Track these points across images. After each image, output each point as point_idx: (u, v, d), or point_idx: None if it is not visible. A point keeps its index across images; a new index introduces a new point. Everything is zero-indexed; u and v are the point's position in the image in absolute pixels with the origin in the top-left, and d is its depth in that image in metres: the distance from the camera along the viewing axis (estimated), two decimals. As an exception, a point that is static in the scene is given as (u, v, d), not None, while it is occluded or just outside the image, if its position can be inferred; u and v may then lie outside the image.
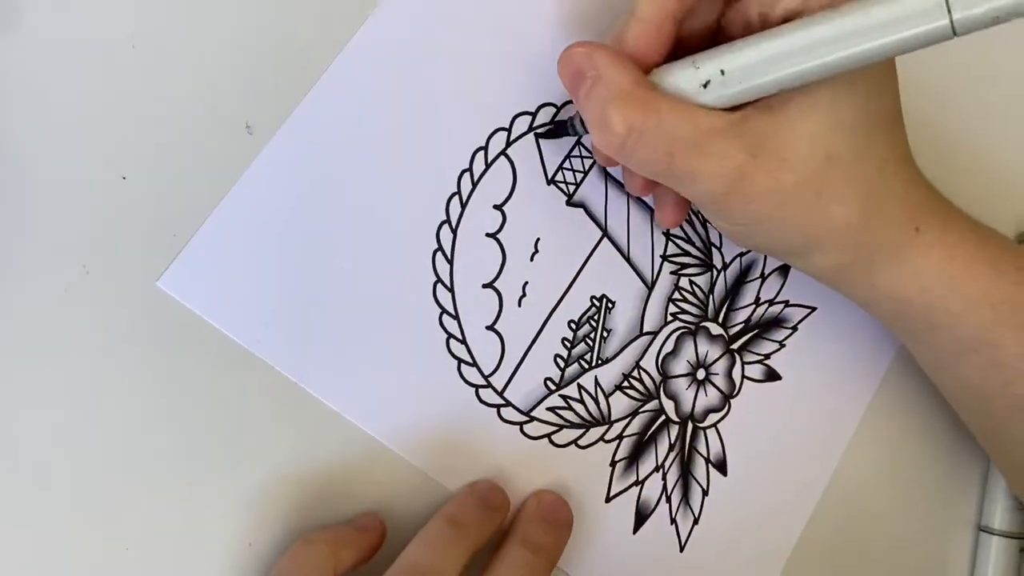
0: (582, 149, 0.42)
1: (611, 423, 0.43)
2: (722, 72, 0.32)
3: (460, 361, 0.40)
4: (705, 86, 0.33)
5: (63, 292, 0.34)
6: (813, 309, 0.46)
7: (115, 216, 0.34)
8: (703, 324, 0.44)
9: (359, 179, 0.38)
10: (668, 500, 0.43)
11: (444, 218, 0.40)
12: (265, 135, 0.37)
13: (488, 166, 0.41)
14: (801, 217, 0.34)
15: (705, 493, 0.44)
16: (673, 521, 0.43)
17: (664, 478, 0.43)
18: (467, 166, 0.40)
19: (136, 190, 0.34)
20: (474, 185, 0.40)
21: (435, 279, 0.40)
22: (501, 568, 0.37)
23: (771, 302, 0.45)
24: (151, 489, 0.35)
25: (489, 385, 0.41)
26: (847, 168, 0.34)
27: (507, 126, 0.41)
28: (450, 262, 0.40)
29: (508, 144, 0.41)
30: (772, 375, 0.46)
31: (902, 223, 0.36)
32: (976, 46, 0.36)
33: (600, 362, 0.43)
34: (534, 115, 0.41)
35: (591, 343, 0.42)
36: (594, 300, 0.42)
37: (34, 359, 0.34)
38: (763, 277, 0.45)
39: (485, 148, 0.40)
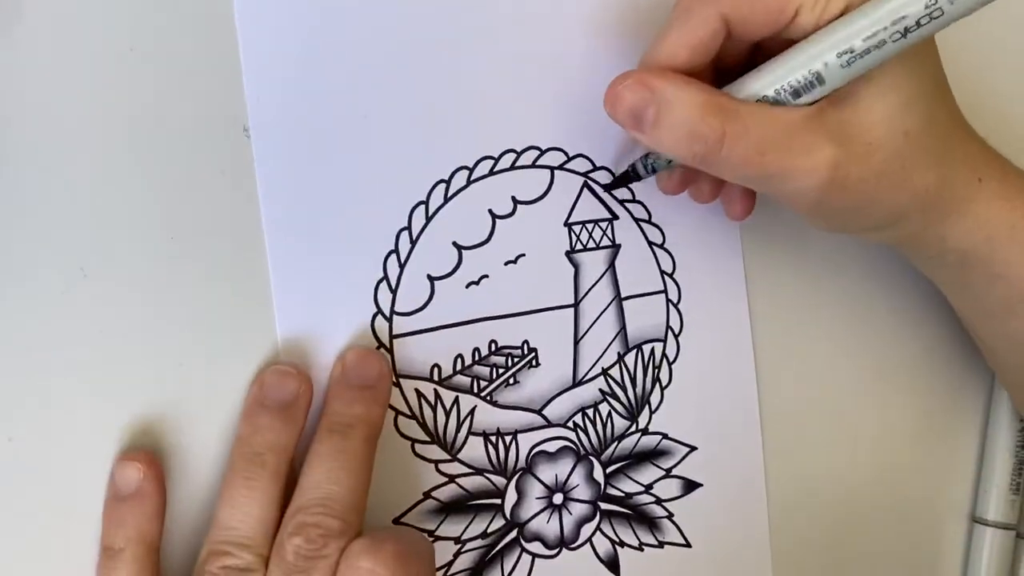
0: (613, 227, 0.41)
1: (452, 478, 0.38)
2: (825, 65, 0.33)
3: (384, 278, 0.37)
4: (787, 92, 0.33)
5: (61, 294, 0.33)
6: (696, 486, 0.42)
7: (113, 219, 0.34)
8: (591, 457, 0.40)
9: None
10: None
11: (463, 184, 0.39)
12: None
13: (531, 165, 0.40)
14: (890, 195, 0.35)
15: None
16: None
17: None
18: (506, 166, 0.39)
19: (135, 193, 0.34)
20: (500, 168, 0.39)
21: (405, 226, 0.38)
22: (311, 471, 0.33)
23: (653, 495, 0.41)
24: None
25: (392, 315, 0.37)
26: (920, 139, 0.35)
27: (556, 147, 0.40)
28: (428, 219, 0.38)
29: (568, 159, 0.40)
30: (613, 561, 0.40)
31: (966, 177, 0.37)
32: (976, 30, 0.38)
33: (488, 398, 0.38)
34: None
35: (495, 375, 0.39)
36: (526, 345, 0.39)
37: (33, 360, 0.33)
38: (667, 473, 0.42)
39: (541, 152, 0.40)
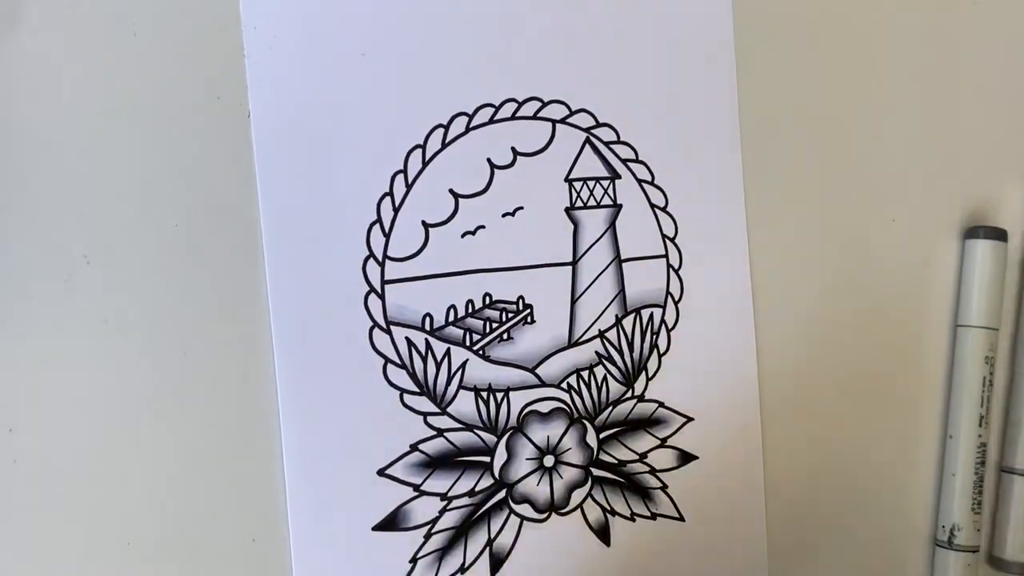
0: (615, 186, 0.40)
1: (440, 432, 0.36)
2: None
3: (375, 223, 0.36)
4: None
5: (64, 282, 0.32)
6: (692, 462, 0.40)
7: (116, 207, 0.33)
8: (584, 420, 0.39)
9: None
10: None
11: (463, 131, 0.37)
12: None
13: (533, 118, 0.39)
14: None
15: None
16: None
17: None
18: (506, 115, 0.38)
19: (137, 181, 0.33)
20: (503, 117, 0.38)
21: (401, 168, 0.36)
22: None
23: (647, 465, 0.40)
24: (150, 481, 0.34)
25: (384, 259, 0.35)
26: None
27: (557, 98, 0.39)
28: (425, 164, 0.37)
29: (571, 113, 0.39)
30: (603, 530, 0.39)
31: None
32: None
33: (480, 352, 0.37)
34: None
35: (488, 328, 0.37)
36: (521, 300, 0.38)
37: (35, 349, 0.32)
38: (663, 442, 0.40)
39: (544, 104, 0.39)
